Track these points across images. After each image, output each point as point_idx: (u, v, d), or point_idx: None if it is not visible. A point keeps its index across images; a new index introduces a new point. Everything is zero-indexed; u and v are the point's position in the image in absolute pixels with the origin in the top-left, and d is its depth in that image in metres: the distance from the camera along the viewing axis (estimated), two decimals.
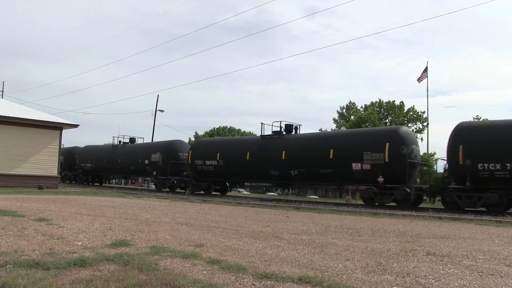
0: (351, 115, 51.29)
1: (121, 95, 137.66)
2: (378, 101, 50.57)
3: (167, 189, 28.39)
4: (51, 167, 25.01)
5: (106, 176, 38.95)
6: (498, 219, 12.22)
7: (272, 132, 22.83)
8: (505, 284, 4.48)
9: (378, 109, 49.47)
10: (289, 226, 9.49)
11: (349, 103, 53.59)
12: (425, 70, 39.86)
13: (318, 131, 41.84)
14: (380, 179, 17.40)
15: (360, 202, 22.31)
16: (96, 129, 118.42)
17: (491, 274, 4.92)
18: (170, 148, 28.91)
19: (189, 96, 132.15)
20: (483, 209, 15.41)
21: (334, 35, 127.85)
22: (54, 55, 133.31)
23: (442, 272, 5.00)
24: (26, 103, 76.23)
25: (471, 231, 9.37)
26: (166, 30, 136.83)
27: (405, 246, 6.92)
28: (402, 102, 49.51)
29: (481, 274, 4.94)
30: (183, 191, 26.84)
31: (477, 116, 43.14)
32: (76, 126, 27.08)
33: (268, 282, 4.32)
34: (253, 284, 4.23)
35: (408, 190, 16.88)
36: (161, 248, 6.08)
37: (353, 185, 22.20)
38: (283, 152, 21.02)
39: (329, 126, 62.70)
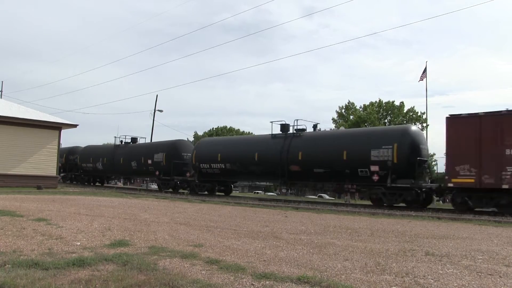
0: (350, 115, 51.32)
1: (120, 95, 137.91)
2: (377, 101, 50.64)
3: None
4: (50, 167, 24.98)
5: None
6: (497, 219, 12.24)
7: None
8: (504, 284, 4.49)
9: (377, 109, 49.51)
10: (288, 226, 9.49)
11: (348, 103, 53.69)
12: (425, 70, 39.87)
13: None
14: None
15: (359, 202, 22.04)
16: (95, 129, 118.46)
17: (490, 274, 4.93)
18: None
19: (187, 96, 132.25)
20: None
21: (332, 35, 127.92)
22: (52, 55, 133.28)
23: (441, 272, 5.01)
24: (25, 103, 76.15)
25: (470, 231, 9.38)
26: (164, 30, 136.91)
27: (404, 246, 6.92)
28: (402, 102, 49.61)
29: (480, 274, 4.95)
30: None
31: None
32: (75, 126, 27.07)
33: (267, 282, 4.32)
34: (252, 284, 4.23)
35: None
36: (160, 248, 6.08)
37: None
38: None
39: (328, 126, 62.72)
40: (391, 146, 16.93)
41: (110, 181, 39.09)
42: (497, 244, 7.49)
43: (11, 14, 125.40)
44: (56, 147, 25.51)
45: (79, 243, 6.31)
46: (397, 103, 49.72)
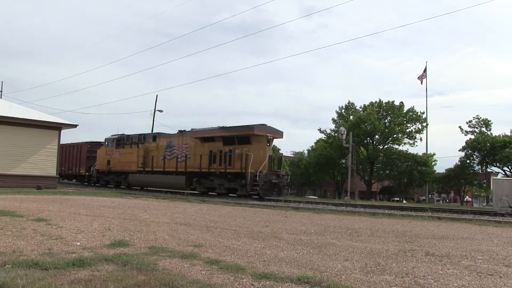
0: (350, 115, 51.25)
1: (120, 95, 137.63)
2: (377, 101, 50.56)
3: None
4: (49, 167, 24.96)
5: None
6: (497, 220, 12.24)
7: None
8: (504, 284, 4.49)
9: (377, 109, 49.42)
10: (288, 226, 9.49)
11: (348, 103, 53.58)
12: (425, 70, 39.93)
13: None
14: None
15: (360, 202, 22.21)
16: (95, 129, 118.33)
17: (490, 274, 4.93)
18: None
19: (187, 96, 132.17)
20: None
21: (331, 34, 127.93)
22: (52, 55, 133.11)
23: (441, 272, 5.01)
24: (24, 103, 75.95)
25: (470, 232, 9.38)
26: (164, 30, 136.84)
27: (404, 246, 6.92)
28: (401, 102, 49.48)
29: (480, 274, 4.94)
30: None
31: (477, 116, 43.24)
32: (75, 126, 27.04)
33: (267, 282, 4.31)
34: (252, 284, 4.22)
35: None
36: (160, 248, 6.07)
37: None
38: None
39: (328, 126, 62.74)
40: None
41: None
42: (497, 244, 7.49)
43: (10, 14, 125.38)
44: (56, 147, 25.47)
45: (79, 243, 6.30)
46: (396, 103, 49.64)
